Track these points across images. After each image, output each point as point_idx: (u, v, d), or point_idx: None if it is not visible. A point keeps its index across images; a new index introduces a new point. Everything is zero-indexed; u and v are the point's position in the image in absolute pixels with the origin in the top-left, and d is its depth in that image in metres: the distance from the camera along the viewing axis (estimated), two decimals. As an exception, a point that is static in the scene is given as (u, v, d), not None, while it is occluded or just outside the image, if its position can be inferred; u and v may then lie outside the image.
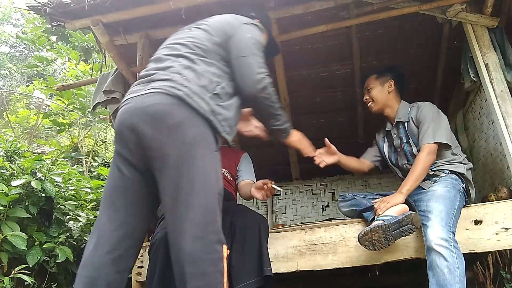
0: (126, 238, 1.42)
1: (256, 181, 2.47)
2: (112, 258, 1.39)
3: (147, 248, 2.00)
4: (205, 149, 1.42)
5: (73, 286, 1.41)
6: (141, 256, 2.19)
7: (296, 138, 1.86)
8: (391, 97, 2.31)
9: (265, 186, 1.98)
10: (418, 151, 2.12)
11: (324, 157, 2.15)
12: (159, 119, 1.38)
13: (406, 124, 2.25)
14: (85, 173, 4.49)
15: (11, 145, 2.88)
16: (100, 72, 3.19)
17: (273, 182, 1.98)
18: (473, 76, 2.39)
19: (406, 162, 2.24)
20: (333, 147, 2.17)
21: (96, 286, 1.35)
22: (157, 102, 1.40)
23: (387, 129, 2.38)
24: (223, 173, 2.34)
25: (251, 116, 1.95)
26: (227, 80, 1.58)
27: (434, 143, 2.06)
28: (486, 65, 2.28)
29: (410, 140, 2.22)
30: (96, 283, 1.35)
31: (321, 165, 2.12)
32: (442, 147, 2.12)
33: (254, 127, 1.96)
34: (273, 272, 1.89)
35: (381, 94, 2.31)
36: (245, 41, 1.62)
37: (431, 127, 2.10)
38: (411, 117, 2.23)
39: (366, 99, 2.37)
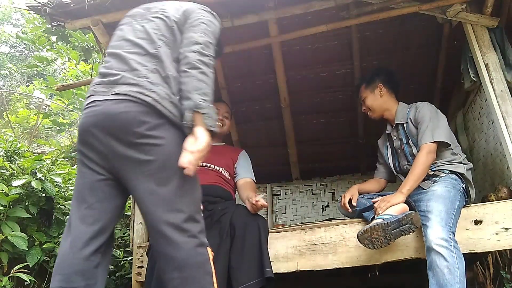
0: (100, 234, 1.42)
1: (255, 180, 2.48)
2: (88, 254, 1.38)
3: (147, 249, 2.00)
4: (179, 154, 1.39)
5: (50, 286, 1.40)
6: (141, 256, 2.20)
7: (206, 140, 1.40)
8: (385, 100, 2.34)
9: (253, 205, 1.98)
10: (418, 151, 2.13)
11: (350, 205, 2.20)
12: (130, 128, 1.37)
13: (405, 125, 2.26)
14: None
15: (11, 145, 2.88)
16: (100, 72, 3.18)
17: (262, 198, 1.99)
18: (473, 76, 2.40)
19: (406, 163, 2.25)
20: (354, 198, 2.21)
21: (73, 283, 1.35)
22: (127, 111, 1.38)
23: (387, 131, 2.40)
24: (221, 171, 2.33)
25: None
26: None
27: (433, 142, 2.07)
28: (486, 65, 2.28)
29: (410, 141, 2.23)
30: (73, 280, 1.35)
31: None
32: (441, 147, 2.12)
33: None
34: (273, 272, 1.89)
35: (375, 101, 2.34)
36: (200, 21, 1.56)
37: (429, 126, 2.10)
38: (410, 118, 2.24)
39: (363, 109, 2.42)
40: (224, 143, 2.57)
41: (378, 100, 2.33)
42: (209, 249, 1.38)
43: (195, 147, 1.36)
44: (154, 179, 1.37)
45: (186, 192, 1.41)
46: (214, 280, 1.37)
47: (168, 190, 1.37)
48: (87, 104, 1.47)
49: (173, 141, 1.41)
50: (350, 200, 2.20)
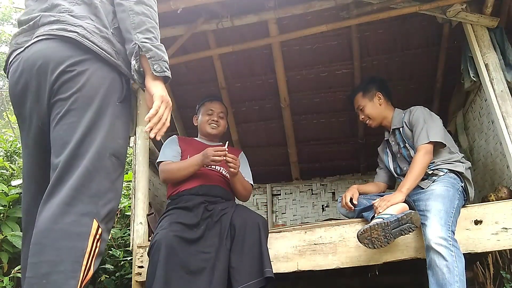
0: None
1: (253, 182, 2.49)
2: None
3: (147, 249, 2.00)
4: (105, 101, 1.20)
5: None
6: (141, 256, 2.19)
7: (162, 93, 1.24)
8: (384, 109, 2.38)
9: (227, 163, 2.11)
10: (415, 153, 2.15)
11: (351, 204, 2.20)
12: (52, 69, 1.17)
13: (401, 129, 2.30)
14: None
15: (11, 145, 2.88)
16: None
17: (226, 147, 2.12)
18: (473, 76, 2.40)
19: (406, 165, 2.26)
20: (354, 197, 2.21)
21: None
22: (48, 52, 1.17)
23: (385, 138, 2.44)
24: (221, 171, 2.34)
25: None
26: None
27: (429, 142, 2.09)
28: (486, 65, 2.28)
29: (407, 144, 2.27)
30: None
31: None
32: (437, 147, 2.15)
33: None
34: (273, 272, 1.89)
35: (375, 109, 2.37)
36: None
37: (424, 128, 2.13)
38: (405, 122, 2.28)
39: (362, 118, 2.44)
40: (221, 143, 2.56)
41: (378, 108, 2.37)
42: (95, 223, 1.14)
43: (152, 110, 1.17)
44: (62, 122, 1.16)
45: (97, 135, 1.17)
46: (85, 262, 1.13)
47: (80, 139, 1.15)
48: (10, 61, 1.26)
49: (101, 84, 1.19)
50: (351, 199, 2.20)
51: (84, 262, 1.08)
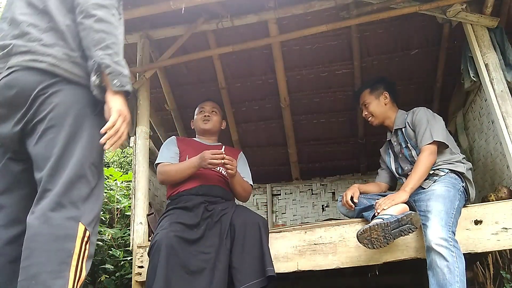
0: (23, 236, 1.18)
1: (254, 180, 2.49)
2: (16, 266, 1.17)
3: (147, 249, 2.00)
4: (80, 113, 1.26)
5: None
6: (141, 256, 2.19)
7: (119, 107, 1.26)
8: (388, 109, 2.39)
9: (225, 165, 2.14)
10: (418, 154, 2.16)
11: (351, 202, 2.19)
12: (26, 96, 1.23)
13: (403, 130, 2.31)
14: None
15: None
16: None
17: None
18: (473, 76, 2.40)
19: (408, 166, 2.27)
20: (355, 196, 2.20)
21: None
22: (21, 81, 1.23)
23: (387, 138, 2.44)
24: (221, 171, 2.34)
25: None
26: None
27: (433, 142, 2.09)
28: (486, 65, 2.28)
29: (409, 144, 2.27)
30: None
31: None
32: (440, 148, 2.14)
33: None
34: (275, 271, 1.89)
35: (379, 107, 2.38)
36: None
37: (428, 128, 2.14)
38: (407, 122, 2.28)
39: (365, 114, 2.44)
40: (220, 143, 2.57)
41: (382, 107, 2.38)
42: (81, 226, 1.20)
43: (108, 123, 1.22)
44: (42, 140, 1.23)
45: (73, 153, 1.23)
46: (74, 263, 1.18)
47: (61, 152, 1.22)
48: None
49: (69, 96, 1.25)
50: (351, 198, 2.20)
51: (73, 263, 1.14)
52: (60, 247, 1.13)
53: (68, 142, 1.23)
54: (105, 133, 1.25)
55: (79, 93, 1.28)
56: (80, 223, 1.18)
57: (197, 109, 2.60)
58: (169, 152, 2.38)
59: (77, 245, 1.15)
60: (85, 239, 1.18)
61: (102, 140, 1.25)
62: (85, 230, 1.19)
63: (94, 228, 1.24)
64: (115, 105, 1.24)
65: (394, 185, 2.49)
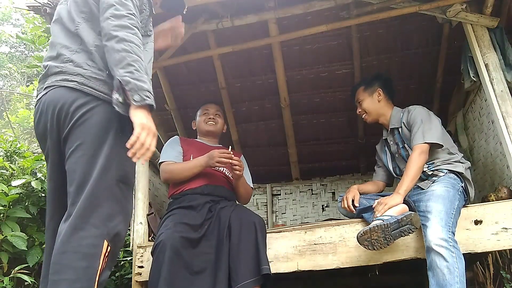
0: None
1: (253, 180, 2.49)
2: None
3: (149, 248, 2.00)
4: (106, 133, 1.35)
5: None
6: (141, 256, 2.19)
7: (142, 121, 1.30)
8: (382, 106, 2.38)
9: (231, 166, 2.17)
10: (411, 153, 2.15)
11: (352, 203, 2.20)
12: (61, 110, 1.36)
13: (399, 129, 2.30)
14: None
15: (11, 145, 2.88)
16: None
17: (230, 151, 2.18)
18: (473, 76, 2.40)
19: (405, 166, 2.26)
20: (356, 199, 2.21)
21: None
22: (56, 98, 1.37)
23: (383, 137, 2.43)
24: (224, 172, 2.35)
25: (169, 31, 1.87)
26: None
27: (424, 143, 2.08)
28: (486, 65, 2.28)
29: (406, 145, 2.26)
30: None
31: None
32: (436, 147, 2.14)
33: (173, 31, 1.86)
34: (273, 272, 1.89)
35: (372, 104, 2.37)
36: None
37: (421, 128, 2.13)
38: (403, 122, 2.28)
39: (359, 111, 2.44)
40: (221, 145, 2.57)
41: (376, 104, 2.37)
42: (105, 243, 1.30)
43: (132, 137, 1.28)
44: (73, 155, 1.34)
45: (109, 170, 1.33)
46: (97, 278, 1.31)
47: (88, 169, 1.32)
48: (35, 104, 1.49)
49: (98, 115, 1.35)
50: (352, 201, 2.20)
51: (97, 279, 1.25)
52: (88, 265, 1.24)
53: (92, 160, 1.32)
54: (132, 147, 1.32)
55: (110, 111, 1.35)
56: (105, 240, 1.27)
57: (200, 110, 2.61)
58: (173, 151, 2.38)
59: (101, 261, 1.26)
60: (106, 254, 1.28)
61: (129, 154, 1.30)
62: (108, 246, 1.28)
63: (116, 243, 1.33)
64: (137, 119, 1.30)
65: (391, 182, 2.49)
